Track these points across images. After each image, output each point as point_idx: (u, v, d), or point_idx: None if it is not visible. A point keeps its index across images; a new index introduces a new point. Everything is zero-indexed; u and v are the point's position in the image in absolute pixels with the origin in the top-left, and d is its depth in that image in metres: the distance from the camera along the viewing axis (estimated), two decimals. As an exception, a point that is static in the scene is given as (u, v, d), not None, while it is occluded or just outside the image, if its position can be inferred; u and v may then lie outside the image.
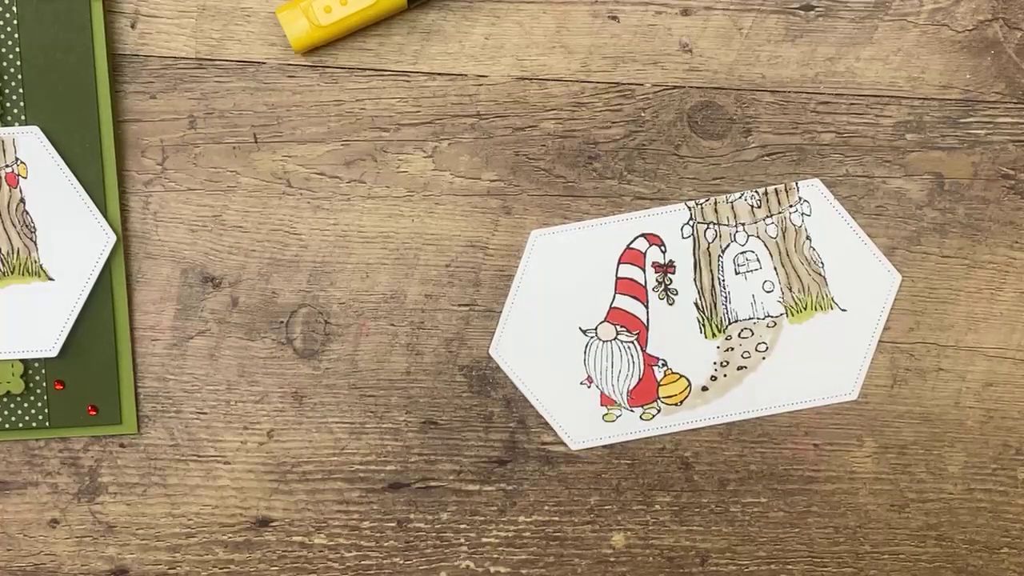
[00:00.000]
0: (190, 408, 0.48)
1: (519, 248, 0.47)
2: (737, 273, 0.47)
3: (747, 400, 0.47)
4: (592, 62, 0.47)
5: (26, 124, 0.46)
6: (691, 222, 0.47)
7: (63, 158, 0.46)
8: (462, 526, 0.48)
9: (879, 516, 0.48)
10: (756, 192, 0.47)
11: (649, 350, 0.47)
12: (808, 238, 0.47)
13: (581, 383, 0.47)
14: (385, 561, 0.48)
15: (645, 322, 0.47)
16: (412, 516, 0.48)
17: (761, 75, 0.47)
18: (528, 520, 0.48)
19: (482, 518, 0.48)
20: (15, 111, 0.46)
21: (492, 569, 0.48)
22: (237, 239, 0.48)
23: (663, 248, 0.47)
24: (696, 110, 0.47)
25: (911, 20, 0.47)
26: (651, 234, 0.47)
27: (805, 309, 0.47)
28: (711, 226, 0.47)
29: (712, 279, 0.47)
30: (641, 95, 0.47)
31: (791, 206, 0.47)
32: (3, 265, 0.46)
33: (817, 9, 0.47)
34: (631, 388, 0.47)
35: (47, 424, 0.47)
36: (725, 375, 0.47)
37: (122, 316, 0.47)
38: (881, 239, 0.47)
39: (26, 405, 0.47)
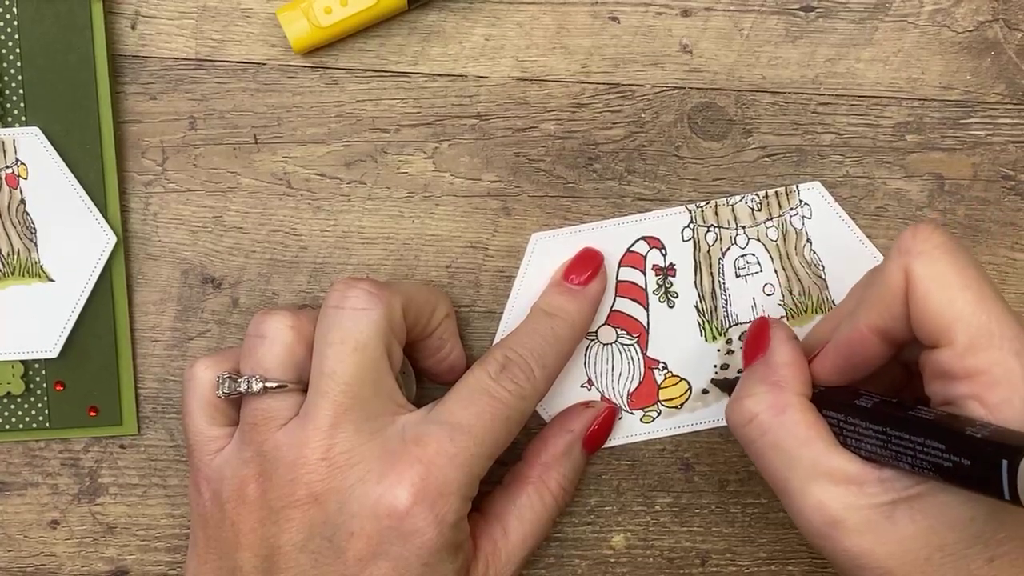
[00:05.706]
0: (190, 409, 0.48)
1: (519, 249, 0.47)
2: (737, 276, 0.47)
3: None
4: (592, 63, 0.47)
5: (26, 125, 0.46)
6: (691, 225, 0.47)
7: (63, 159, 0.46)
8: (462, 527, 0.48)
9: (878, 517, 0.48)
10: (756, 195, 0.47)
11: (649, 353, 0.47)
12: (809, 241, 0.47)
13: (582, 386, 0.47)
14: (385, 562, 0.48)
15: (645, 325, 0.47)
16: (412, 517, 0.48)
17: (761, 76, 0.47)
18: (528, 521, 0.48)
19: (482, 519, 0.48)
20: (15, 112, 0.46)
21: (492, 570, 0.48)
22: (237, 240, 0.48)
23: (663, 251, 0.47)
24: (696, 111, 0.47)
25: (911, 21, 0.47)
26: (651, 237, 0.47)
27: (806, 312, 0.47)
28: (711, 229, 0.47)
29: (712, 282, 0.47)
30: (641, 96, 0.47)
31: (791, 209, 0.47)
32: (3, 266, 0.46)
33: (817, 10, 0.47)
34: (631, 391, 0.47)
35: (47, 425, 0.47)
36: (726, 378, 0.47)
37: (122, 317, 0.47)
38: (881, 240, 0.47)
39: (26, 406, 0.47)
